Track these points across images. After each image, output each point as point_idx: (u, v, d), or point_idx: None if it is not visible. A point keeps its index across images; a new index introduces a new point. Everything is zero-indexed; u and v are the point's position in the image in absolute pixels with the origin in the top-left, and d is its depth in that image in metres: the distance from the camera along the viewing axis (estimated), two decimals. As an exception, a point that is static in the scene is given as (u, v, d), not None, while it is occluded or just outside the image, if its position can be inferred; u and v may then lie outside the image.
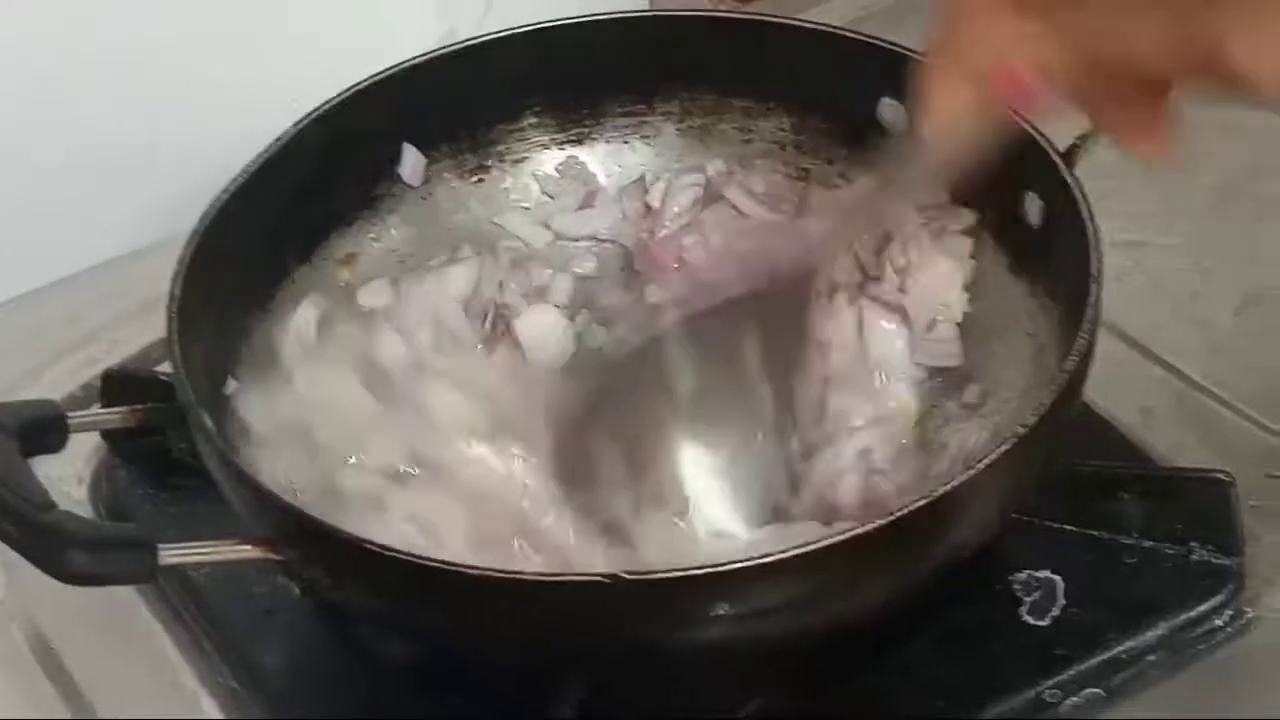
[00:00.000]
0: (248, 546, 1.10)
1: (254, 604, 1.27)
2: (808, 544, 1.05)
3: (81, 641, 1.29)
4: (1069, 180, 1.23)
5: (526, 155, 1.44)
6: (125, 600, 1.29)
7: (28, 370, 1.47)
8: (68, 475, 1.39)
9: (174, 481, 1.33)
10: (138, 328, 1.47)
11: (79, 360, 1.48)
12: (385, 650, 1.23)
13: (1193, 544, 1.24)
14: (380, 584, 1.08)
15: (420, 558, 1.06)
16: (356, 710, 1.23)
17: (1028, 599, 1.23)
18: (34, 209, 1.54)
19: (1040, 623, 1.22)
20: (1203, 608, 1.22)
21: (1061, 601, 1.22)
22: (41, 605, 1.30)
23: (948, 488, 1.06)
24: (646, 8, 1.70)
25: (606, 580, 1.04)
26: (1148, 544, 1.24)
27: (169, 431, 1.22)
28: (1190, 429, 1.35)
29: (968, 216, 1.34)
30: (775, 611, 1.07)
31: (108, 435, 1.37)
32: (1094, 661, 1.20)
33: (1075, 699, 1.19)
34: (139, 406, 1.23)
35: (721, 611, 1.06)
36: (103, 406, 1.34)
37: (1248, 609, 1.23)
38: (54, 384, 1.45)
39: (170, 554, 1.07)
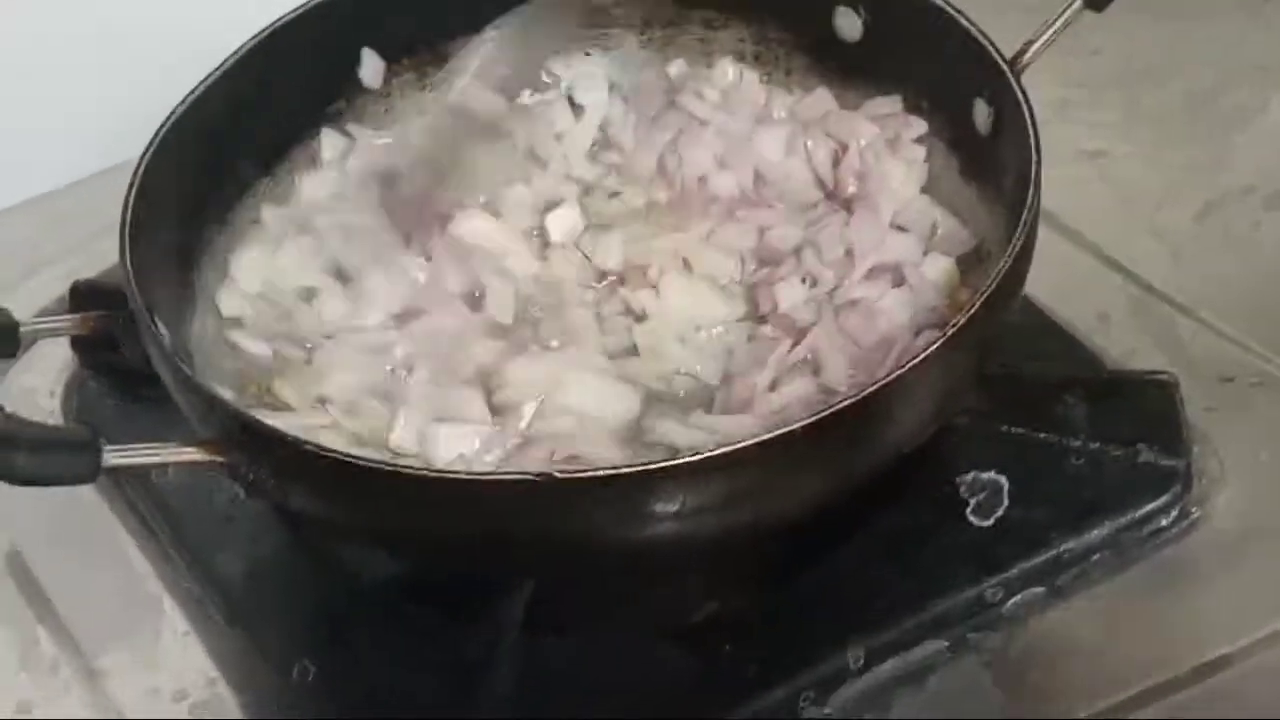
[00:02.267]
0: (192, 449, 1.12)
1: (216, 511, 1.30)
2: (737, 442, 1.06)
3: (48, 549, 1.32)
4: (1014, 85, 1.23)
5: (488, 68, 1.45)
6: (91, 507, 1.32)
7: (4, 283, 1.50)
8: (40, 387, 1.42)
9: (142, 393, 1.34)
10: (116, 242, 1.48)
11: (57, 274, 1.50)
12: (341, 555, 1.26)
13: (1139, 445, 1.25)
14: (318, 485, 1.10)
15: (354, 458, 1.08)
16: (313, 613, 1.25)
17: (972, 500, 1.24)
18: (13, 124, 1.55)
19: (984, 523, 1.23)
20: (1148, 508, 1.23)
21: (1006, 502, 1.23)
22: (9, 514, 1.32)
23: (876, 385, 1.08)
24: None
25: (537, 479, 1.06)
26: (1094, 445, 1.25)
27: (124, 338, 1.23)
28: (1146, 334, 1.36)
29: (919, 125, 1.34)
30: (709, 510, 1.08)
31: (78, 347, 1.39)
32: (1037, 561, 1.21)
33: (1017, 597, 1.20)
34: (92, 313, 1.25)
35: (653, 510, 1.07)
36: (68, 316, 1.36)
37: (1194, 509, 1.24)
38: (30, 296, 1.48)
39: (115, 455, 1.08)
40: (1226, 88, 1.54)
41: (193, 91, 1.30)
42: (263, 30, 1.35)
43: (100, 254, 1.46)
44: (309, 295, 1.31)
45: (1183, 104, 1.54)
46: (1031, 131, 1.20)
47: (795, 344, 1.25)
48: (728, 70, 1.42)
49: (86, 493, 1.27)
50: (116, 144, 1.48)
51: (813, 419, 1.06)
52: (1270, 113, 1.52)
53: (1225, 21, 1.60)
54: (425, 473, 1.09)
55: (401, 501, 1.08)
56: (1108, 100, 1.55)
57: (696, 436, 1.19)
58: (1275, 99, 1.52)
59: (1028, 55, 1.26)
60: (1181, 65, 1.56)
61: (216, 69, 1.32)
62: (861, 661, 1.17)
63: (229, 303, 1.31)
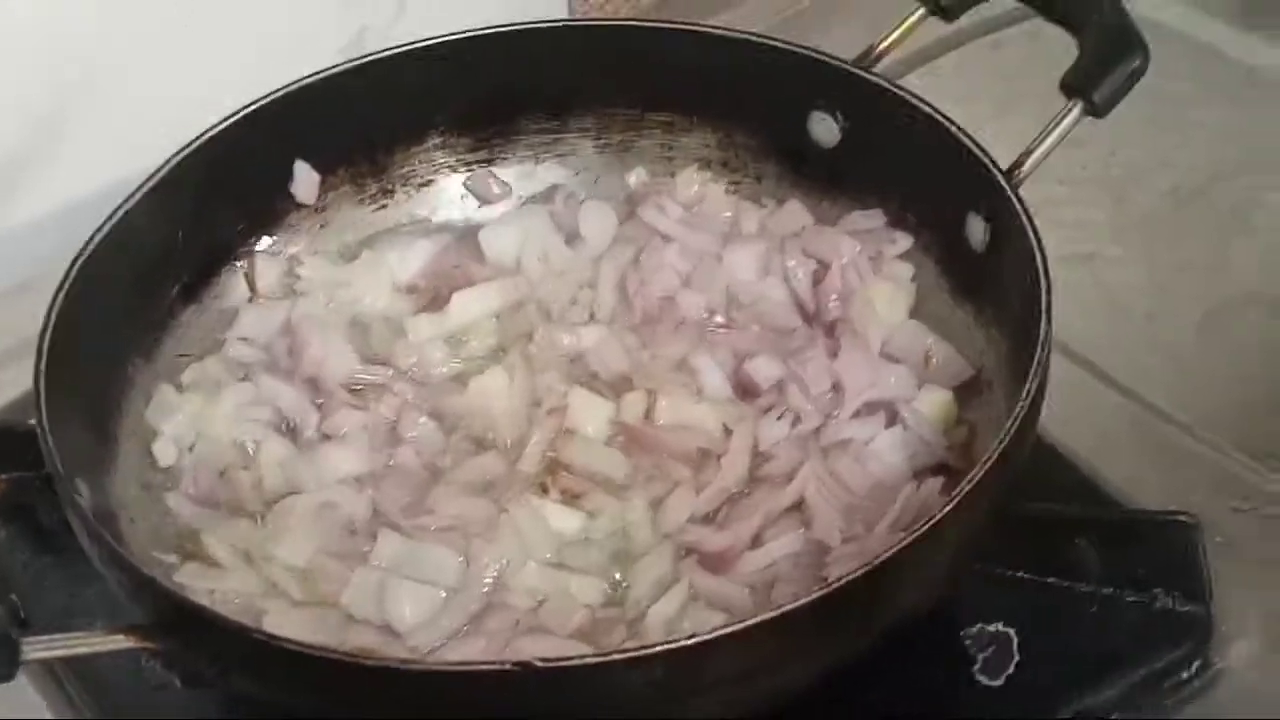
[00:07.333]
0: (120, 636, 1.00)
1: (144, 679, 1.17)
2: (737, 622, 0.95)
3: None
4: (1014, 200, 1.13)
5: (432, 179, 1.34)
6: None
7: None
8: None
9: (57, 543, 1.22)
10: (22, 369, 1.36)
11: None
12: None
13: (1156, 591, 1.15)
14: (268, 675, 0.99)
15: (314, 648, 0.96)
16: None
17: (980, 656, 1.14)
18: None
19: (994, 682, 1.13)
20: (1168, 659, 1.14)
21: (1016, 657, 1.14)
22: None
23: (889, 553, 0.97)
24: (566, 15, 1.61)
25: (516, 669, 0.95)
26: (1107, 591, 1.15)
27: (39, 502, 1.11)
28: (1150, 459, 1.26)
29: (904, 240, 1.24)
30: (706, 690, 0.98)
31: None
32: (1052, 724, 1.11)
33: (1034, 767, 1.10)
34: (3, 475, 1.12)
35: (646, 695, 0.96)
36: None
37: (1216, 659, 1.15)
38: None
39: (36, 648, 0.97)
40: (1217, 182, 1.45)
41: (115, 213, 1.19)
42: (188, 143, 1.24)
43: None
44: (251, 450, 1.20)
45: (1172, 201, 1.45)
46: (1038, 254, 1.10)
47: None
48: (692, 179, 1.31)
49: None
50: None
51: (821, 593, 0.96)
52: (1266, 208, 1.42)
53: (1212, 109, 1.50)
54: (390, 664, 0.97)
55: (368, 693, 0.97)
56: (1091, 197, 1.45)
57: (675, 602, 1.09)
58: (1271, 195, 1.43)
59: (1026, 165, 1.16)
60: (1169, 158, 1.47)
61: (140, 186, 1.21)
62: None
63: (165, 452, 1.19)
